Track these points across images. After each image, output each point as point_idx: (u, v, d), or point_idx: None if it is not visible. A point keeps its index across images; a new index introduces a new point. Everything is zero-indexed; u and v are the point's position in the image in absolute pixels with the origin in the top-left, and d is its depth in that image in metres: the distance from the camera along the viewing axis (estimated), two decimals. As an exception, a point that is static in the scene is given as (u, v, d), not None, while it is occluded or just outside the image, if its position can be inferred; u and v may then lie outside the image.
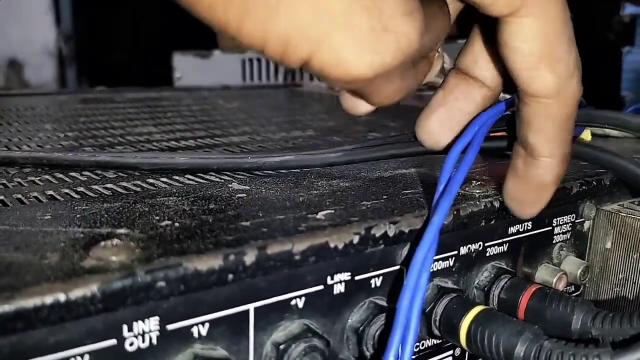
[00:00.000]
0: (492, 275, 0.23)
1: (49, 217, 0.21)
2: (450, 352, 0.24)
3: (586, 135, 0.32)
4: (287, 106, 0.61)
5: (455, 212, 0.22)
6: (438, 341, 0.23)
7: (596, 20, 0.93)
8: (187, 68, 0.90)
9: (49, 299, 0.14)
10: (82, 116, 0.50)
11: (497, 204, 0.23)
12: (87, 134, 0.41)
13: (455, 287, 0.22)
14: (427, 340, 0.23)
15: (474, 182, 0.25)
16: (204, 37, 0.98)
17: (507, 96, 0.54)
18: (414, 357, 0.23)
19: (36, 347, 0.14)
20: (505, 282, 0.23)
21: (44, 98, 0.63)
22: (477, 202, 0.23)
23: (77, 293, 0.14)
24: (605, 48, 0.89)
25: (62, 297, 0.14)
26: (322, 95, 0.75)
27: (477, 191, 0.24)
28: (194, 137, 0.41)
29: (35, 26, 1.95)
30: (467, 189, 0.24)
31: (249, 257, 0.17)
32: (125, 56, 1.80)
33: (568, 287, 0.27)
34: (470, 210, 0.22)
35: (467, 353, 0.25)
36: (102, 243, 0.16)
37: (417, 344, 0.23)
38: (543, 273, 0.26)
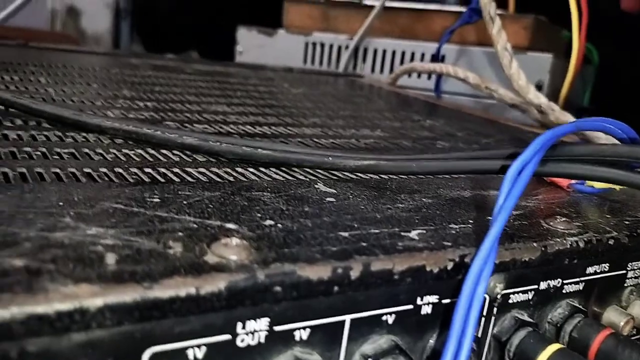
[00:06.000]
0: (566, 312, 0.24)
1: (157, 199, 0.22)
2: (512, 378, 0.25)
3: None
4: (351, 99, 0.62)
5: (543, 249, 0.22)
6: (504, 368, 0.24)
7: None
8: (249, 43, 0.91)
9: (182, 292, 0.15)
10: (157, 85, 0.51)
11: (582, 244, 0.24)
12: (166, 107, 0.42)
13: (531, 320, 0.23)
14: (495, 366, 0.24)
15: (558, 217, 0.25)
16: (268, 15, 0.99)
17: (569, 120, 0.54)
18: (479, 380, 0.23)
19: (163, 335, 0.15)
20: (578, 322, 0.24)
21: (115, 59, 0.64)
22: (564, 241, 0.23)
23: (206, 289, 0.15)
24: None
25: (193, 292, 0.15)
26: (382, 89, 0.75)
27: (561, 227, 0.24)
28: (268, 124, 0.42)
29: (96, -24, 1.99)
30: (551, 223, 0.25)
31: (354, 272, 0.18)
32: (181, 18, 1.82)
33: (631, 330, 0.28)
34: (557, 248, 0.23)
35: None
36: (223, 241, 0.17)
37: (484, 368, 0.23)
38: (611, 314, 0.26)
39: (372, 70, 0.85)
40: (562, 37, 0.83)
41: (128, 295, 0.15)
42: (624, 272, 0.26)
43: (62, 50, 0.65)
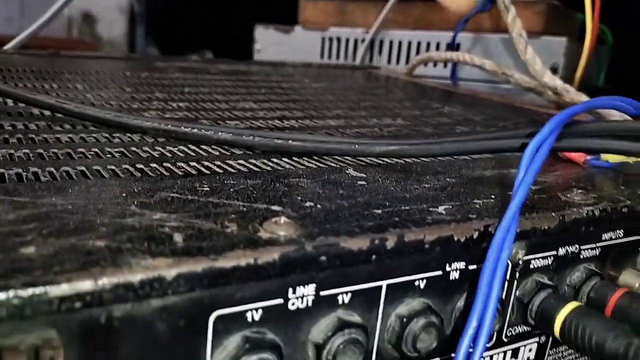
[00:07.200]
0: (584, 275, 0.26)
1: (207, 188, 0.24)
2: (537, 339, 0.27)
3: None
4: (371, 91, 0.64)
5: (560, 218, 0.24)
6: (528, 329, 0.26)
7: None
8: (267, 41, 0.93)
9: (242, 262, 0.17)
10: (186, 86, 0.54)
11: (597, 213, 0.25)
12: (197, 106, 0.45)
13: (550, 283, 0.25)
14: (519, 327, 0.26)
15: (575, 189, 0.27)
16: (284, 12, 1.02)
17: (584, 100, 0.55)
18: (506, 339, 0.26)
19: (226, 300, 0.18)
20: (595, 283, 0.26)
21: (143, 63, 0.67)
22: (580, 210, 0.25)
23: (263, 259, 0.18)
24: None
25: (252, 262, 0.18)
26: (399, 80, 0.77)
27: (577, 198, 0.26)
28: (294, 117, 0.44)
29: (111, -18, 2.03)
30: (568, 195, 0.27)
31: (390, 243, 0.20)
32: (195, 20, 1.85)
33: (647, 293, 0.30)
34: (574, 217, 0.25)
35: (550, 340, 0.27)
36: (273, 219, 0.20)
37: (510, 329, 0.25)
38: (627, 277, 0.28)
39: (389, 61, 0.87)
40: (576, 20, 0.84)
41: (198, 265, 0.17)
42: (639, 237, 0.28)
43: (92, 58, 0.68)
